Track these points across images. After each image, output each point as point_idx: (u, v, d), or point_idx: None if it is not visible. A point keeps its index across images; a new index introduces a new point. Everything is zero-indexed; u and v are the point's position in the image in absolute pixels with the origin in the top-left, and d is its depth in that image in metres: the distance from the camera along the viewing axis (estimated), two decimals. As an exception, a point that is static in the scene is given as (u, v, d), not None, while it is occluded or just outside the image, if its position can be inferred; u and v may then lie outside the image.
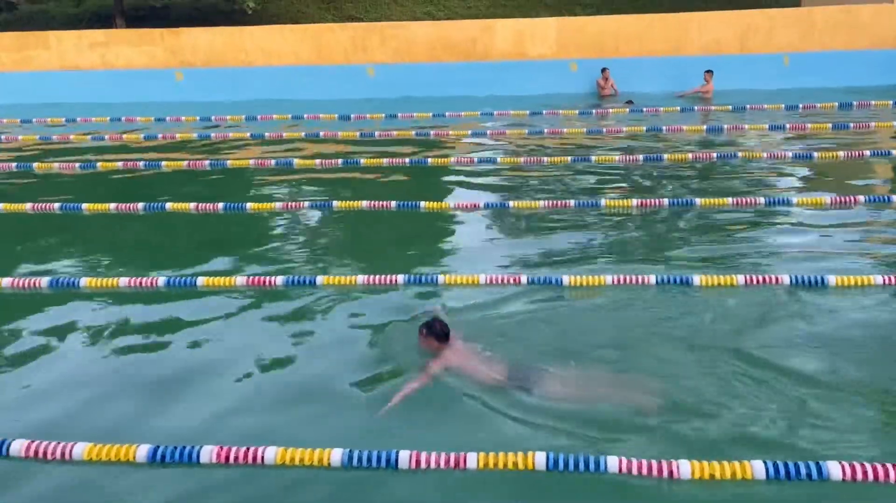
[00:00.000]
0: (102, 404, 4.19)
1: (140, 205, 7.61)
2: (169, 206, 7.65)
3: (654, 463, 3.33)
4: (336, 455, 3.48)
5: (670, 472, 3.31)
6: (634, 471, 3.31)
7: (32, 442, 3.66)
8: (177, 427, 3.90)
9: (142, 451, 3.59)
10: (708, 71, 13.75)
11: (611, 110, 12.89)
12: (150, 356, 4.70)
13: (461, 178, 8.70)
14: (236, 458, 3.52)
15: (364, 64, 16.54)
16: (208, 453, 3.55)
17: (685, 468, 3.32)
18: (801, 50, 14.65)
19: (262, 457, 3.52)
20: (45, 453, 3.61)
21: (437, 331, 4.40)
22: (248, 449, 3.54)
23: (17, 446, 3.66)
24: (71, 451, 3.61)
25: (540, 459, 3.38)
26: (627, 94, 13.75)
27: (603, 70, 14.53)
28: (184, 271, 5.87)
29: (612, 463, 3.35)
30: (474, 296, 5.27)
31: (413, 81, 15.58)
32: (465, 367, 4.26)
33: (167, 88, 15.96)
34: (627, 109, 12.72)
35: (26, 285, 5.71)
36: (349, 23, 19.16)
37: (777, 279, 5.26)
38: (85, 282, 5.69)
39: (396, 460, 3.44)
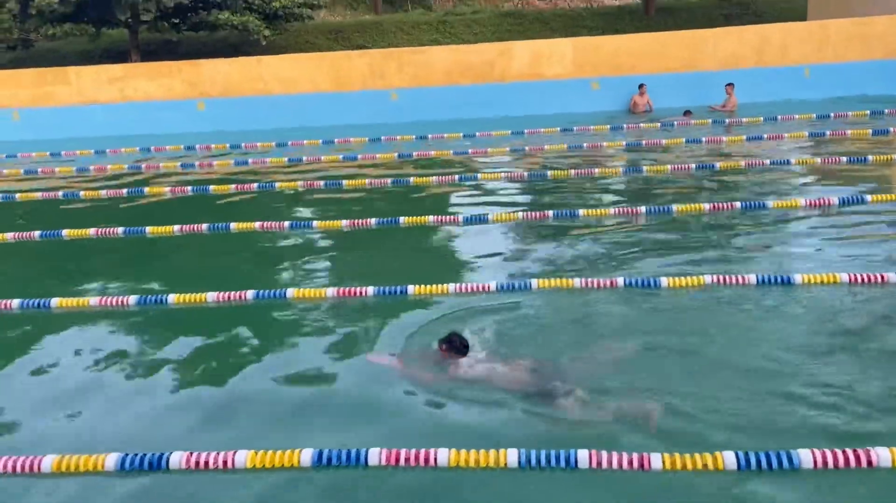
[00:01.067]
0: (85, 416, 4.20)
1: (204, 225, 7.66)
2: (233, 225, 7.72)
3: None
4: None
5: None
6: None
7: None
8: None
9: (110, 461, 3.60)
10: (729, 84, 13.97)
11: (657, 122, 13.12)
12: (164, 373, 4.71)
13: (510, 192, 8.82)
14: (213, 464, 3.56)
15: (382, 90, 16.75)
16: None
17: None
18: (816, 62, 14.95)
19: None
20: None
21: (456, 346, 4.44)
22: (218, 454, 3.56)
23: None
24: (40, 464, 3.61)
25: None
26: (665, 110, 14.00)
27: (640, 86, 14.76)
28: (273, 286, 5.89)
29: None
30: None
31: (433, 104, 15.78)
32: (488, 377, 4.29)
33: (189, 119, 16.08)
34: (689, 121, 12.92)
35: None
36: (366, 49, 19.38)
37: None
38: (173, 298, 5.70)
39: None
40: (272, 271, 6.50)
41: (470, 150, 11.29)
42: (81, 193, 9.74)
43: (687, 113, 13.42)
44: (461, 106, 15.75)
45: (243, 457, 3.58)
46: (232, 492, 3.44)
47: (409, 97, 16.23)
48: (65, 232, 7.70)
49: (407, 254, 6.87)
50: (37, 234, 7.75)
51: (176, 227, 7.73)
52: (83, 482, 3.54)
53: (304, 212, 8.55)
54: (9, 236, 7.73)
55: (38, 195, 9.81)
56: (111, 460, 3.60)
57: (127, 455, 3.61)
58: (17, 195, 9.83)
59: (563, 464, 3.41)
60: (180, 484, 3.51)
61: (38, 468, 3.59)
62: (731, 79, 14.26)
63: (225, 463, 3.55)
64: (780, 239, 6.66)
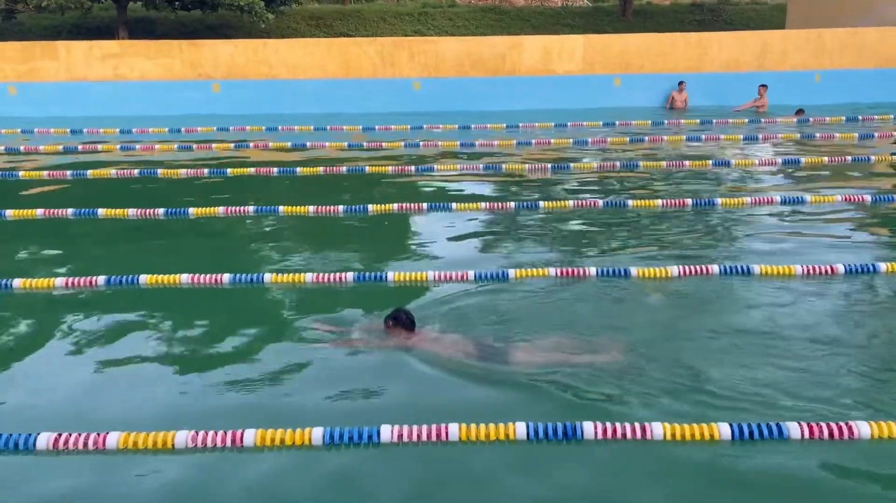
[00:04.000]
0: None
1: (251, 208, 7.60)
2: (282, 209, 7.61)
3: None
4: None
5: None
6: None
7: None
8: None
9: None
10: (762, 85, 14.64)
11: (682, 122, 13.58)
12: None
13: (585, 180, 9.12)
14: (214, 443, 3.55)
15: (393, 78, 16.67)
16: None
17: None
18: (814, 68, 15.99)
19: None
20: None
21: (403, 321, 4.55)
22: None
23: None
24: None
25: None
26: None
27: (680, 83, 15.27)
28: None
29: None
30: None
31: (455, 95, 15.85)
32: (435, 348, 4.45)
33: (201, 100, 15.51)
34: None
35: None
36: (377, 37, 19.20)
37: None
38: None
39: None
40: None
41: (533, 142, 11.42)
42: (160, 173, 9.32)
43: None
44: (474, 97, 15.89)
45: (251, 436, 3.53)
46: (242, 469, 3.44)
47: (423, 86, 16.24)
48: (101, 211, 7.44)
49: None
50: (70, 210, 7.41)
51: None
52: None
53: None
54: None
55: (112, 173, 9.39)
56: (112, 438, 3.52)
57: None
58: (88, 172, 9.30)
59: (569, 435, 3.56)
60: (187, 462, 3.45)
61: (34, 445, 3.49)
62: (752, 81, 14.96)
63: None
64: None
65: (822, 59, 16.13)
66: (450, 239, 6.78)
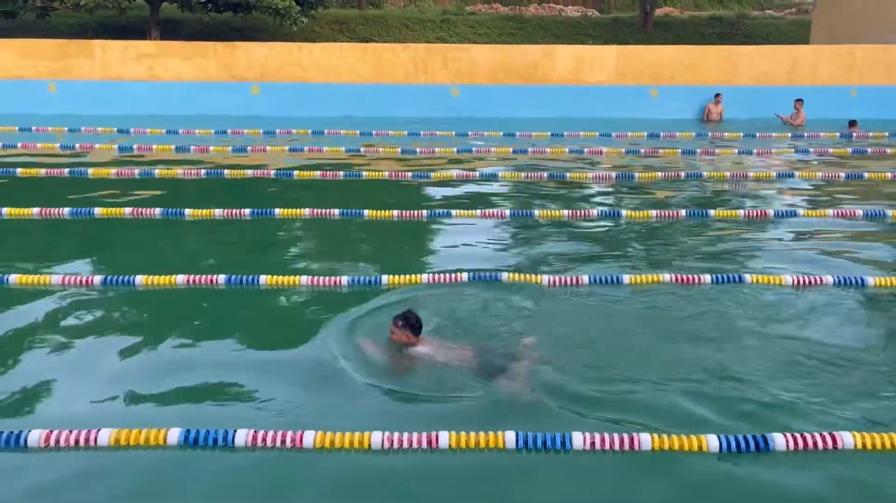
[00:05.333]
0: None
1: (336, 210, 7.65)
2: (366, 212, 7.68)
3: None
4: (308, 437, 3.59)
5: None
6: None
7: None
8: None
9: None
10: (798, 100, 14.79)
11: (725, 134, 13.75)
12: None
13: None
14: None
15: (426, 84, 16.79)
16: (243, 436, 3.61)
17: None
18: (843, 83, 16.22)
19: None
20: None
21: (412, 324, 4.55)
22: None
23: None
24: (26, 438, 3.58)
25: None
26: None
27: (716, 95, 15.43)
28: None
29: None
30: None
31: (490, 101, 15.99)
32: (437, 356, 4.49)
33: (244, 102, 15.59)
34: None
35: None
36: (411, 43, 19.32)
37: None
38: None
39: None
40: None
41: (585, 150, 11.50)
42: (226, 173, 9.38)
43: (852, 124, 13.94)
44: (508, 104, 16.02)
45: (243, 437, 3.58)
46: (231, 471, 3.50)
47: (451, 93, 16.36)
48: (188, 211, 7.49)
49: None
50: (157, 210, 7.45)
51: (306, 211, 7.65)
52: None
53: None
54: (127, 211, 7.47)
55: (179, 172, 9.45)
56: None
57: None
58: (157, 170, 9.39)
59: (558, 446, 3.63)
60: (175, 460, 3.51)
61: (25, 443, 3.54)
62: (782, 95, 15.15)
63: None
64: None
65: (851, 75, 16.36)
66: (520, 246, 6.88)
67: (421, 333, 4.56)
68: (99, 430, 3.57)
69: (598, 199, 8.70)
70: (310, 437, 3.56)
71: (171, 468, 3.48)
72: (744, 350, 4.71)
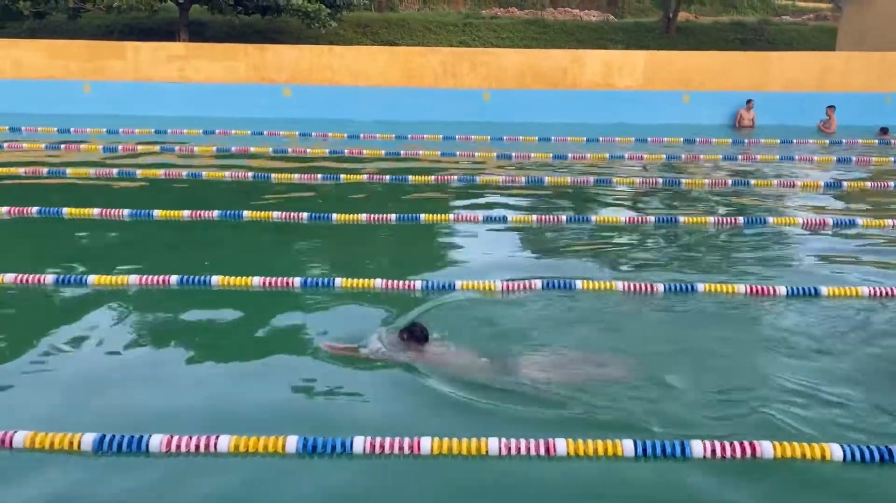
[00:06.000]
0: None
1: (393, 215, 7.62)
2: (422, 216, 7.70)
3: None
4: (291, 442, 3.54)
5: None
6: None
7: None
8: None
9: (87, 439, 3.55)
10: (830, 106, 14.78)
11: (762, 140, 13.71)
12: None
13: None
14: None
15: (455, 88, 16.81)
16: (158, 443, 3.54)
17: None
18: (876, 90, 16.18)
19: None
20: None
21: (417, 335, 4.63)
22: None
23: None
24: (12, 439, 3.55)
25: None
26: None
27: (748, 101, 15.40)
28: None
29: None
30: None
31: (520, 106, 16.00)
32: (445, 363, 4.53)
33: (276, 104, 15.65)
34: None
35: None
36: (440, 47, 19.37)
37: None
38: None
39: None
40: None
41: (626, 155, 11.50)
42: (274, 176, 9.43)
43: (883, 131, 13.97)
44: (538, 109, 16.02)
45: (226, 443, 3.54)
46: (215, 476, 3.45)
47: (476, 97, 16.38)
48: (247, 214, 7.52)
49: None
50: (215, 213, 7.51)
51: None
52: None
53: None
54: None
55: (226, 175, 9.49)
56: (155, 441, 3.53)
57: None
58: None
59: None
60: (158, 466, 3.47)
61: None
62: (813, 101, 15.13)
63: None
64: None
65: (885, 82, 16.31)
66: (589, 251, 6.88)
67: (427, 343, 4.59)
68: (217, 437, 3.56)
69: (651, 205, 8.72)
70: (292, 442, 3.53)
71: (289, 474, 3.47)
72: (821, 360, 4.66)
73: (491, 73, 16.99)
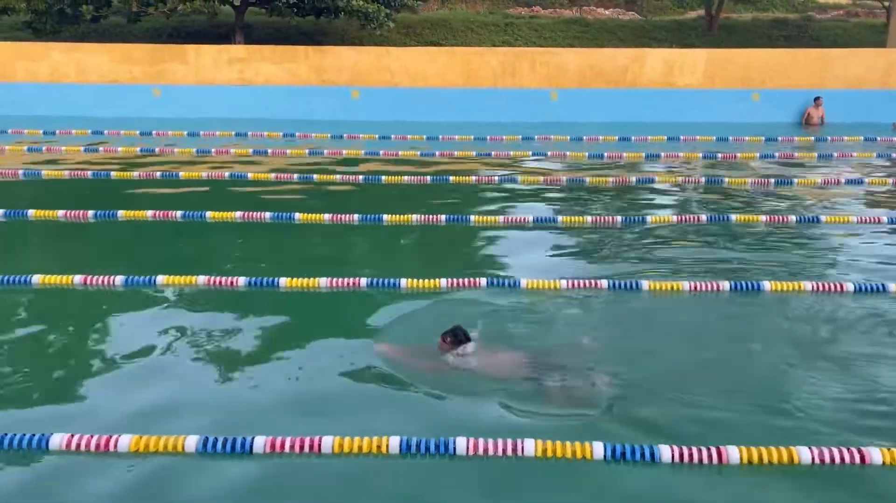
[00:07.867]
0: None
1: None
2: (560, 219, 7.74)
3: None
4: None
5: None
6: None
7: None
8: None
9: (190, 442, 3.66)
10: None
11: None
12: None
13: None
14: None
15: (515, 88, 16.81)
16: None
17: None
18: (942, 88, 16.14)
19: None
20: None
21: (460, 339, 4.68)
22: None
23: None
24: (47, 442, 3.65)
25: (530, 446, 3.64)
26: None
27: (816, 99, 15.38)
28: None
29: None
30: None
31: (585, 105, 15.98)
32: (486, 368, 4.57)
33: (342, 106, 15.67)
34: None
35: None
36: (499, 47, 19.37)
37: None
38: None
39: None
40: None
41: (720, 155, 11.45)
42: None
43: None
44: (602, 108, 15.99)
45: (261, 443, 3.64)
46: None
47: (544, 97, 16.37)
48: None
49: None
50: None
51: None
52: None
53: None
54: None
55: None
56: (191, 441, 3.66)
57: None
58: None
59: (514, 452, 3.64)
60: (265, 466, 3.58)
61: (115, 447, 3.63)
62: (877, 99, 15.15)
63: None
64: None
65: (951, 79, 16.29)
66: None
67: (470, 343, 4.63)
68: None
69: (765, 204, 8.69)
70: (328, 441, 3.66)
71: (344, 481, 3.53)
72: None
73: (551, 73, 16.97)
